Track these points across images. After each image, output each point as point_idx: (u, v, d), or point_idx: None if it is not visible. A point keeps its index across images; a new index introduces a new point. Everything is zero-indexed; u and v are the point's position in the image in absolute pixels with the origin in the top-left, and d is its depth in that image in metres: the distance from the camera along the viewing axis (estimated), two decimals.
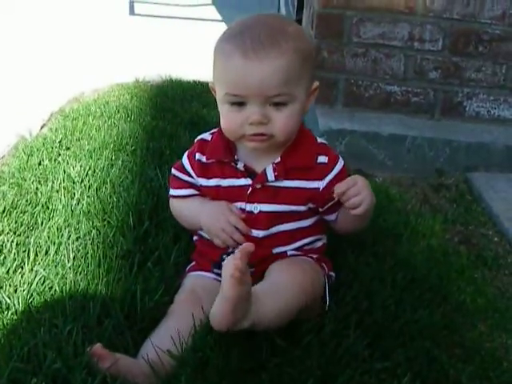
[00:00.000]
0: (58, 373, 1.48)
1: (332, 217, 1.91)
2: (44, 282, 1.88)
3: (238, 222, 1.83)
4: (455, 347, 1.82)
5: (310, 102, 1.86)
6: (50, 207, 2.32)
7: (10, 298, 1.80)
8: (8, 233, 2.14)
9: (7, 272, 1.93)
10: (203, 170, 1.90)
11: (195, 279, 1.88)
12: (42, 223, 2.21)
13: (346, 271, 2.01)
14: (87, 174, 2.61)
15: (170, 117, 3.49)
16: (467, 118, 3.37)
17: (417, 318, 1.83)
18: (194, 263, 1.95)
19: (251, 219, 1.85)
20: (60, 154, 2.87)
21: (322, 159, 1.86)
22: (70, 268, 1.95)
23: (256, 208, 1.84)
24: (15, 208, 2.30)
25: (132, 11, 6.33)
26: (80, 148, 2.93)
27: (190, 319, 1.63)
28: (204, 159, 1.89)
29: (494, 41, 3.26)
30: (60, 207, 2.30)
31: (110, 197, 2.39)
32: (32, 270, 1.93)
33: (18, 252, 2.03)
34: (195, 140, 1.97)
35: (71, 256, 2.00)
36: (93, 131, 3.18)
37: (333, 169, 1.86)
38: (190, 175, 1.94)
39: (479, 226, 2.70)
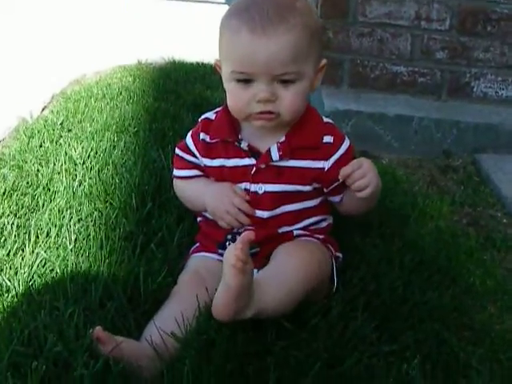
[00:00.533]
0: (59, 356, 1.45)
1: (337, 198, 1.88)
2: (45, 264, 1.85)
3: (242, 204, 1.80)
4: (465, 329, 1.79)
5: (318, 79, 1.82)
6: (52, 189, 2.29)
7: (10, 281, 1.77)
8: (9, 215, 2.12)
9: (7, 254, 1.90)
10: (207, 150, 1.86)
11: (199, 260, 1.85)
12: (43, 205, 2.18)
13: (353, 253, 1.98)
14: (89, 155, 2.59)
15: (173, 98, 3.47)
16: (475, 99, 3.33)
17: (425, 300, 1.80)
18: (197, 244, 1.92)
19: (256, 200, 1.81)
20: (61, 136, 2.85)
21: (328, 139, 1.82)
22: (71, 250, 1.92)
23: (261, 188, 1.81)
24: (16, 190, 2.27)
25: None
26: (82, 130, 2.92)
27: (193, 301, 1.60)
28: (208, 139, 1.86)
29: (502, 20, 3.21)
30: (61, 189, 2.28)
31: (113, 178, 2.37)
32: (33, 252, 1.90)
33: (18, 234, 2.01)
34: (199, 119, 1.93)
35: (73, 238, 1.97)
36: (95, 113, 3.17)
37: (338, 149, 1.82)
38: (194, 155, 1.90)
39: (487, 207, 2.67)
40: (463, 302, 1.89)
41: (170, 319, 1.57)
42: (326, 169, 1.81)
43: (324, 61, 1.81)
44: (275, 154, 1.78)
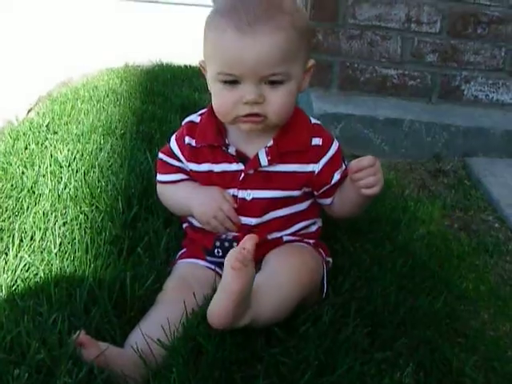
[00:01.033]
0: (41, 363, 1.41)
1: (328, 201, 1.84)
2: (29, 268, 1.81)
3: (230, 211, 1.76)
4: (458, 336, 1.77)
5: (306, 81, 1.77)
6: (36, 192, 2.25)
7: None
8: None
9: None
10: (193, 155, 1.82)
11: (186, 266, 1.81)
12: (27, 208, 2.13)
13: (343, 257, 1.96)
14: (75, 158, 2.55)
15: (161, 101, 3.45)
16: (465, 102, 3.32)
17: (418, 306, 1.78)
18: (184, 250, 1.89)
19: (244, 206, 1.78)
20: (47, 138, 2.80)
21: (317, 141, 1.79)
22: (56, 254, 1.88)
23: (249, 195, 1.77)
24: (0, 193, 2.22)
25: None
26: (68, 132, 2.87)
27: (180, 307, 1.56)
28: (194, 143, 1.81)
29: (493, 23, 3.21)
30: (46, 192, 2.23)
31: (99, 181, 2.33)
32: (16, 256, 1.85)
33: (1, 238, 1.96)
34: (183, 122, 1.88)
35: (57, 242, 1.93)
36: (81, 115, 3.13)
37: (328, 151, 1.79)
38: (179, 160, 1.85)
39: (479, 212, 2.65)
40: (456, 308, 1.87)
41: (156, 326, 1.53)
42: (316, 172, 1.78)
43: (312, 61, 1.76)
44: (263, 159, 1.74)
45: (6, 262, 1.82)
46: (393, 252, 2.02)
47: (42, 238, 1.96)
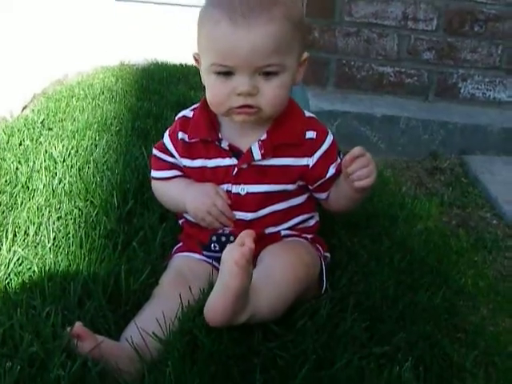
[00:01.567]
0: (34, 356, 1.39)
1: (323, 195, 1.83)
2: (22, 262, 1.79)
3: (224, 206, 1.73)
4: (458, 331, 1.75)
5: (300, 73, 1.74)
6: (31, 187, 2.23)
7: None
8: None
9: None
10: (187, 150, 1.80)
11: (182, 260, 1.79)
12: (21, 203, 2.11)
13: (341, 252, 1.94)
14: (69, 153, 2.53)
15: (156, 98, 3.44)
16: (462, 100, 3.31)
17: (417, 301, 1.76)
18: (180, 244, 1.87)
19: (238, 201, 1.75)
20: (42, 135, 2.79)
21: (311, 134, 1.77)
22: (49, 249, 1.86)
23: (243, 189, 1.75)
24: None
25: None
26: (63, 128, 2.86)
27: (176, 301, 1.54)
28: (187, 138, 1.79)
29: (489, 20, 3.20)
30: (41, 187, 2.22)
31: (94, 176, 2.31)
32: (10, 250, 1.83)
33: None
34: (176, 117, 1.87)
35: (51, 236, 1.91)
36: (76, 112, 3.12)
37: (322, 144, 1.77)
38: (172, 156, 1.84)
39: (477, 208, 2.64)
40: (455, 304, 1.85)
41: (152, 320, 1.50)
42: (311, 166, 1.76)
43: (306, 54, 1.73)
44: (257, 153, 1.72)
45: None
46: (391, 247, 2.01)
47: (35, 232, 1.94)
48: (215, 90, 1.67)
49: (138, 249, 1.85)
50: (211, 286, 1.59)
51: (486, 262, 2.18)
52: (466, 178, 2.92)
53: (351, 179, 1.64)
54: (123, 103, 3.29)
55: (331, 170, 1.77)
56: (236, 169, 1.74)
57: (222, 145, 1.74)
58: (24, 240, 1.90)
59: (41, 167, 2.37)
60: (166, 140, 1.85)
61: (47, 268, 1.75)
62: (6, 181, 2.26)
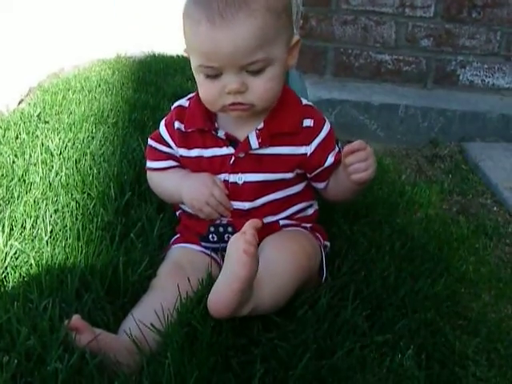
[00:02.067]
0: (32, 350, 1.38)
1: (321, 185, 1.82)
2: (19, 256, 1.77)
3: (222, 196, 1.72)
4: (459, 318, 1.74)
5: (294, 57, 1.72)
6: (27, 180, 2.22)
7: None
8: None
9: None
10: (183, 140, 1.78)
11: (180, 251, 1.78)
12: (18, 197, 2.10)
13: (341, 241, 1.94)
14: (66, 146, 2.52)
15: (153, 90, 3.43)
16: (461, 87, 3.30)
17: (418, 289, 1.75)
18: (178, 235, 1.86)
19: (236, 190, 1.74)
20: (38, 128, 2.77)
21: (308, 122, 1.75)
22: (47, 242, 1.84)
23: (240, 178, 1.74)
24: None
25: None
26: (59, 121, 2.85)
27: (174, 292, 1.53)
28: (183, 128, 1.78)
29: (487, 6, 3.17)
30: (37, 180, 2.20)
31: (90, 168, 2.30)
32: (7, 244, 1.81)
33: None
34: (172, 107, 1.85)
35: (48, 229, 1.90)
36: (73, 105, 3.11)
37: (320, 132, 1.75)
38: (169, 146, 1.82)
39: (477, 195, 2.62)
40: (457, 291, 1.85)
41: (150, 311, 1.49)
42: (309, 154, 1.74)
43: (297, 37, 1.70)
44: (254, 142, 1.71)
45: None
46: (391, 235, 2.00)
47: (32, 225, 1.93)
48: (206, 90, 1.66)
49: (135, 240, 1.84)
50: (209, 276, 1.58)
51: (486, 248, 2.16)
52: (466, 165, 2.90)
53: (349, 171, 1.63)
54: (120, 95, 3.28)
55: (330, 159, 1.75)
56: (233, 158, 1.72)
57: (219, 134, 1.73)
58: (21, 233, 1.88)
59: (37, 160, 2.35)
60: (162, 130, 1.83)
61: (44, 261, 1.74)
62: (2, 174, 2.25)
